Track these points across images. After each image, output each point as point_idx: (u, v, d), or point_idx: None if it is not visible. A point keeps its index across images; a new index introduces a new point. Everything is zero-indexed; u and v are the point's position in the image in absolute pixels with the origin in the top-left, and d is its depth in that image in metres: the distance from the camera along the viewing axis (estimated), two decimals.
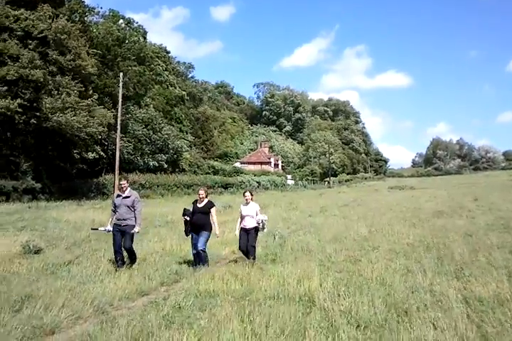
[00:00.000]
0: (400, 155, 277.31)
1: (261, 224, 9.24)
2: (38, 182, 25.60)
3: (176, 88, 59.40)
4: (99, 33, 39.14)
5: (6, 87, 24.29)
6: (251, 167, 67.04)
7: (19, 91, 24.89)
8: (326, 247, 10.93)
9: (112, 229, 8.83)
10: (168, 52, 66.44)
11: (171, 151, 45.44)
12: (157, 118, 45.24)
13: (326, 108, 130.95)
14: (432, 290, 6.85)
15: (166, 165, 44.54)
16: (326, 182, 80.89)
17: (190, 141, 54.67)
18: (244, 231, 9.18)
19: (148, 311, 6.00)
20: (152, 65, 54.76)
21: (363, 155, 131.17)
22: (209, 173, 52.22)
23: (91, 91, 30.75)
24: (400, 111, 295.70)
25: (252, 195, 9.47)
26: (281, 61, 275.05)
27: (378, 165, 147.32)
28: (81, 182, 31.01)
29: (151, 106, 47.54)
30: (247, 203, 9.30)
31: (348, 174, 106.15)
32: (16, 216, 17.07)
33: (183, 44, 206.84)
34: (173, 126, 50.40)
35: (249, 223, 9.15)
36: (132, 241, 8.81)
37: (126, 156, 38.81)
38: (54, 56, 27.32)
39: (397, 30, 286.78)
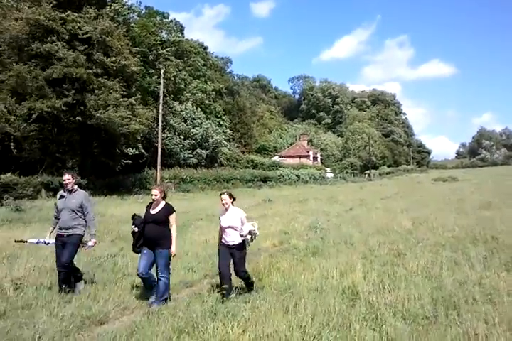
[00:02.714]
0: (443, 147, 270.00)
1: (249, 237, 6.67)
2: (83, 177, 26.40)
3: (214, 82, 59.81)
4: (141, 32, 39.93)
5: (51, 89, 25.18)
6: (290, 160, 66.71)
7: (64, 91, 25.76)
8: (368, 240, 10.77)
9: (52, 241, 6.77)
10: (205, 48, 66.95)
11: (211, 146, 45.89)
12: (196, 113, 45.79)
13: (364, 99, 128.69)
14: (481, 284, 6.64)
15: (205, 160, 45.04)
16: (367, 175, 79.59)
17: (228, 135, 54.97)
18: (226, 248, 6.58)
19: (192, 303, 6.08)
20: (190, 60, 55.44)
21: (404, 147, 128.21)
22: (248, 167, 52.37)
23: (134, 90, 31.37)
24: (444, 101, 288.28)
25: (232, 197, 6.71)
26: (321, 54, 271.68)
27: (421, 157, 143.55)
28: (124, 177, 31.86)
29: (190, 101, 48.12)
30: (226, 209, 6.66)
31: (389, 166, 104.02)
32: None
33: (224, 41, 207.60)
34: (211, 120, 50.84)
35: (232, 237, 6.52)
36: (72, 254, 6.56)
37: (167, 151, 39.51)
38: (99, 57, 28.10)
39: (440, 19, 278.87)
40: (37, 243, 6.88)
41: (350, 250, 9.65)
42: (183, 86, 48.15)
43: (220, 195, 6.73)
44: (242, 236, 6.53)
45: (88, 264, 8.38)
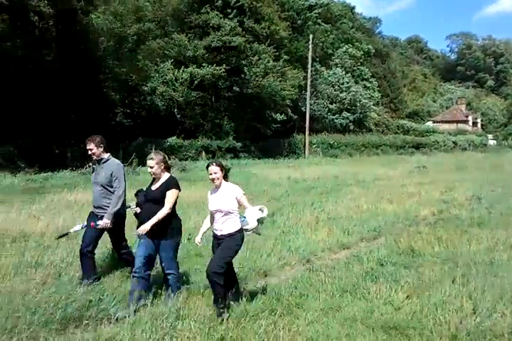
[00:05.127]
0: None
1: (255, 227, 4.67)
2: (238, 141, 28.23)
3: (362, 45, 57.49)
4: None
5: (210, 56, 26.95)
6: (445, 126, 61.95)
7: (223, 58, 27.36)
8: None
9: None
10: (352, 8, 64.44)
11: (358, 110, 44.76)
12: (344, 78, 44.84)
13: None
14: None
15: (352, 125, 44.23)
16: None
17: (376, 99, 52.84)
18: (217, 241, 4.67)
19: (351, 264, 6.10)
20: (338, 24, 54.02)
21: None
22: (397, 133, 50.18)
23: (283, 55, 31.99)
24: None
25: (224, 169, 4.67)
26: (484, 9, 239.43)
27: None
28: (275, 141, 33.02)
29: (338, 65, 47.17)
30: (217, 187, 4.66)
31: None
32: None
33: (373, 2, 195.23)
34: (359, 84, 49.32)
35: (223, 225, 4.57)
36: (120, 239, 5.53)
37: (314, 116, 39.60)
38: (250, 24, 29.11)
39: None
40: (82, 228, 5.53)
41: None
42: (331, 51, 47.31)
43: (207, 166, 4.65)
44: (247, 230, 4.63)
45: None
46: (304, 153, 34.11)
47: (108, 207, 5.26)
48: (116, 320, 4.31)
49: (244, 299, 4.64)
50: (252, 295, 4.84)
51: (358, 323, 4.17)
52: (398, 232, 7.99)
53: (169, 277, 4.79)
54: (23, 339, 3.78)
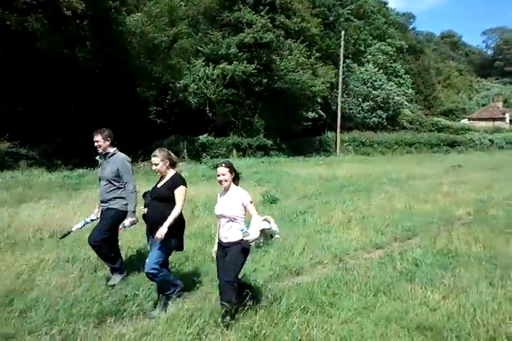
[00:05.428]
0: None
1: (262, 240, 4.29)
2: (269, 139, 28.22)
3: (395, 40, 56.43)
4: None
5: (242, 53, 27.10)
6: (481, 123, 60.13)
7: (255, 55, 27.46)
8: None
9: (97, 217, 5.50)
10: (385, 4, 63.34)
11: (391, 108, 43.98)
12: (377, 75, 44.14)
13: None
14: None
15: (385, 123, 43.50)
16: None
17: (410, 95, 51.72)
18: (222, 250, 4.39)
19: (385, 264, 6.03)
20: (370, 20, 53.21)
21: None
22: (432, 131, 48.97)
23: (314, 52, 31.88)
24: None
25: (234, 171, 4.42)
26: None
27: None
28: (305, 139, 32.82)
29: (371, 62, 46.48)
30: (225, 189, 4.42)
31: None
32: (253, 169, 18.98)
33: None
34: (393, 81, 48.42)
35: (228, 232, 4.32)
36: (102, 233, 5.24)
37: (345, 114, 39.14)
38: (281, 20, 29.17)
39: None
40: (84, 225, 5.48)
41: None
42: (363, 48, 46.71)
43: (216, 166, 4.51)
44: (248, 241, 4.16)
45: (280, 219, 8.89)
46: (336, 151, 33.80)
47: (113, 200, 5.24)
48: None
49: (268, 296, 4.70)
50: (285, 294, 4.83)
51: (392, 323, 4.14)
52: (433, 232, 7.84)
53: (155, 279, 4.55)
54: (62, 331, 3.91)
